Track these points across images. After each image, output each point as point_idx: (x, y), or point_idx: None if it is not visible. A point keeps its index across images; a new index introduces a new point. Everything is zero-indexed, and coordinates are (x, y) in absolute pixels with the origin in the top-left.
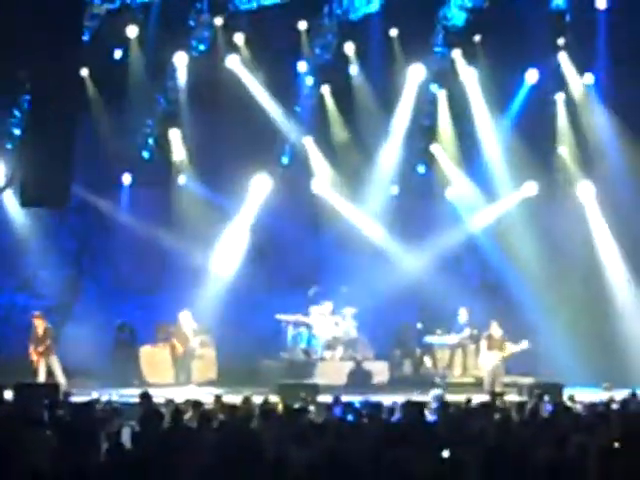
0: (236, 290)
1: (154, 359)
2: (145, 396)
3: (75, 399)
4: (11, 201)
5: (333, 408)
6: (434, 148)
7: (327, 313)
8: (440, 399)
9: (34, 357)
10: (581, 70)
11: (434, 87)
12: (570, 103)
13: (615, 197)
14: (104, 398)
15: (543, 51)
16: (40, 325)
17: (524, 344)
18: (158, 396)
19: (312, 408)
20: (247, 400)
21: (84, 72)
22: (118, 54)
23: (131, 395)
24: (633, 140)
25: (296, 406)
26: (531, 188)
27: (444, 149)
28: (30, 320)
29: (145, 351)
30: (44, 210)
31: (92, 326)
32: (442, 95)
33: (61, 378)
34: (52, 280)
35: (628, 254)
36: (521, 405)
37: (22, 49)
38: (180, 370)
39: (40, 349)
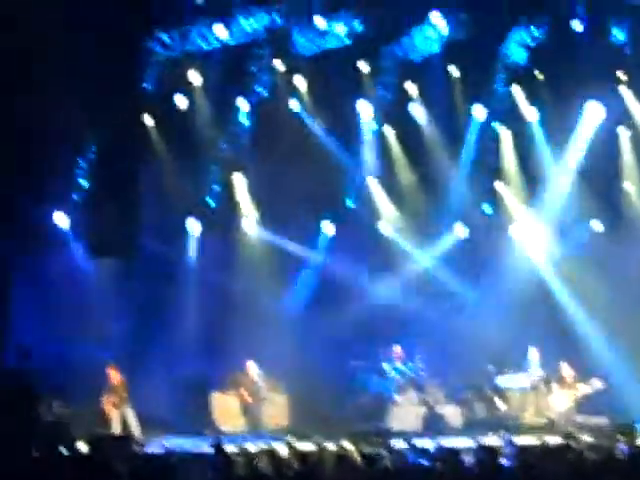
0: (305, 336)
1: (225, 406)
2: (218, 445)
3: (149, 450)
4: (80, 251)
5: (407, 454)
6: (498, 186)
7: (398, 357)
8: (511, 442)
9: (108, 408)
10: None
11: (496, 125)
12: (634, 137)
13: None
14: (178, 448)
15: (604, 85)
16: (114, 376)
17: (597, 384)
18: (231, 444)
19: (386, 454)
20: (321, 447)
21: (147, 120)
22: (181, 101)
23: (203, 444)
24: None
25: (370, 452)
26: (597, 226)
27: (509, 187)
28: (102, 370)
29: (216, 397)
30: (112, 260)
31: (162, 375)
32: (505, 133)
33: (136, 429)
34: (121, 330)
35: None
36: (595, 446)
37: (86, 99)
38: (251, 417)
39: (114, 400)
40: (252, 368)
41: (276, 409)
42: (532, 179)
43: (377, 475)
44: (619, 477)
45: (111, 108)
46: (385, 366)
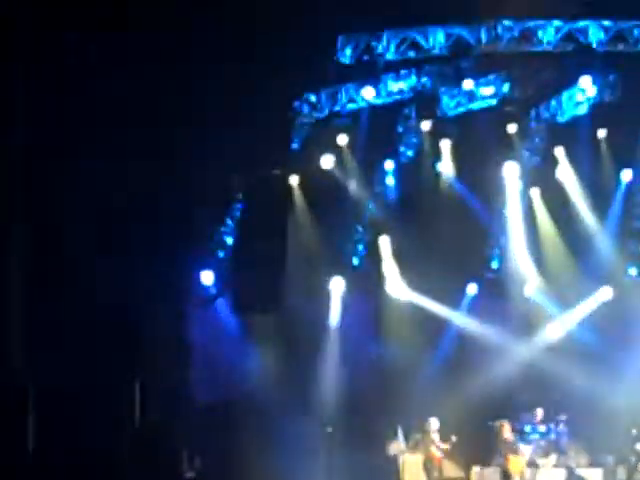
0: (444, 396)
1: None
2: None
3: None
4: (224, 307)
5: None
6: None
7: (540, 419)
8: None
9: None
10: None
11: None
12: None
13: None
14: None
15: None
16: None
17: None
18: None
19: None
20: None
21: (294, 180)
22: (327, 161)
23: None
24: None
25: None
26: None
27: None
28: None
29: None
30: (257, 316)
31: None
32: None
33: None
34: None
35: None
36: None
37: (234, 159)
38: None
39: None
40: (434, 424)
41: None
42: None
43: None
44: None
45: (260, 167)
46: (527, 429)
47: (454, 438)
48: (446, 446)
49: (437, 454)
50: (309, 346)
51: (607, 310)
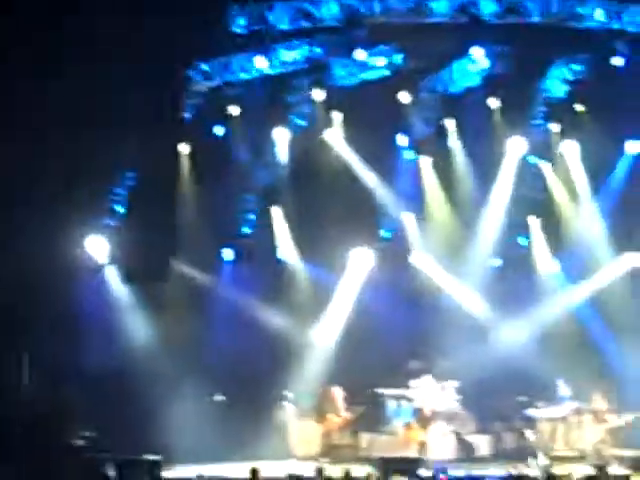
0: (335, 366)
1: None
2: (254, 472)
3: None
4: (113, 277)
5: None
6: (531, 220)
7: (428, 387)
8: (546, 471)
9: None
10: None
11: (535, 159)
12: None
13: None
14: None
15: None
16: None
17: (628, 418)
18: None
19: None
20: (348, 475)
21: (185, 149)
22: (219, 131)
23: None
24: None
25: None
26: (634, 260)
27: (543, 220)
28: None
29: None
30: (146, 285)
31: (197, 400)
32: (545, 167)
33: None
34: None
35: None
36: (626, 478)
37: (123, 127)
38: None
39: None
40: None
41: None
42: (567, 213)
43: None
44: None
45: (150, 136)
46: (415, 395)
47: (358, 409)
48: (348, 415)
49: (332, 422)
50: (200, 315)
51: (495, 279)
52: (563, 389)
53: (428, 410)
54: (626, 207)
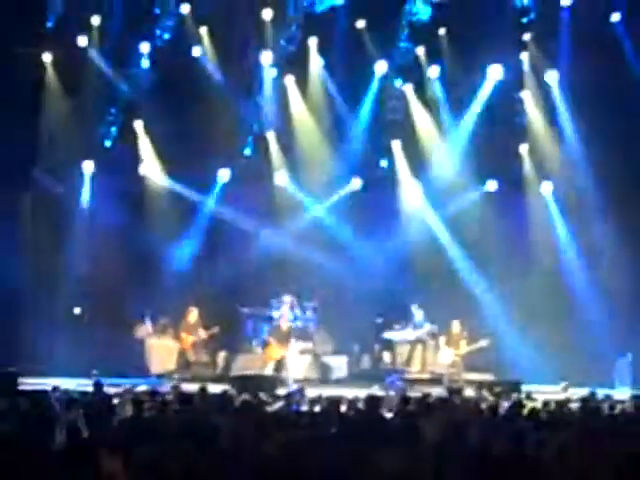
0: (194, 283)
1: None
2: (98, 385)
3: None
4: None
5: (290, 401)
6: (394, 144)
7: (287, 306)
8: (401, 392)
9: None
10: (546, 67)
11: (399, 82)
12: (534, 100)
13: (576, 196)
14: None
15: (508, 47)
16: None
17: (483, 342)
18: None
19: (269, 399)
20: (203, 391)
21: (47, 58)
22: (82, 41)
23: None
24: (596, 138)
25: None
26: (492, 185)
27: (406, 144)
28: None
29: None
30: (4, 194)
31: (54, 313)
32: (408, 90)
33: None
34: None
35: (586, 252)
36: (479, 401)
37: None
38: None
39: None
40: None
41: (165, 353)
42: (429, 137)
43: (259, 421)
44: (501, 431)
45: (12, 44)
46: (274, 314)
47: (216, 329)
48: (204, 334)
49: (188, 340)
50: (61, 227)
51: (356, 200)
52: (417, 313)
53: (286, 329)
54: (486, 132)
